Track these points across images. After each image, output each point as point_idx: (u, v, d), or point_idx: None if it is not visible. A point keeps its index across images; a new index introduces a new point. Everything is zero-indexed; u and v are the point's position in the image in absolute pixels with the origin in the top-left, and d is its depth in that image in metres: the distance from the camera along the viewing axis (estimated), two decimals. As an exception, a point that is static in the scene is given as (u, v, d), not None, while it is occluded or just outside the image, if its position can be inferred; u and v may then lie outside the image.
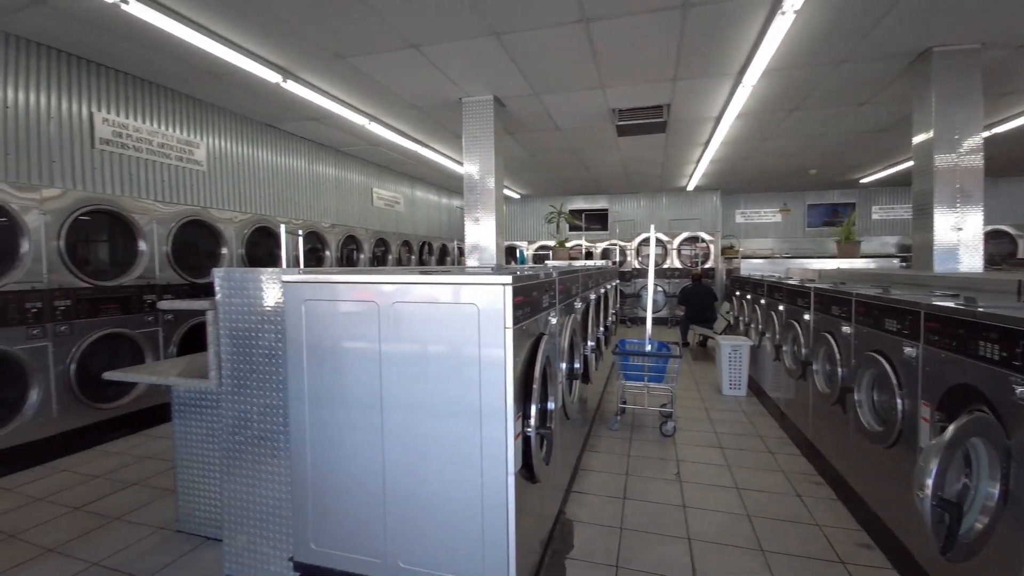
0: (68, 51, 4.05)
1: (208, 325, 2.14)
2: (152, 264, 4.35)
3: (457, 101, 5.32)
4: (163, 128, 4.87)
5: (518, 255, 10.57)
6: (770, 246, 12.10)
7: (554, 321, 2.15)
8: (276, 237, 5.69)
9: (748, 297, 5.71)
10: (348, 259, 7.18)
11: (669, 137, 6.95)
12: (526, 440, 1.70)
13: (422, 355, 1.69)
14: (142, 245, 4.28)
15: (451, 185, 11.05)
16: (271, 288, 2.02)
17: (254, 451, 2.10)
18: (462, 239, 11.00)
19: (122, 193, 4.38)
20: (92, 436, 3.87)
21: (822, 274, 4.66)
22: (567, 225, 11.61)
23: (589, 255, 11.24)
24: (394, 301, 1.71)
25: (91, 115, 4.20)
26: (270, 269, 2.02)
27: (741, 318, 6.06)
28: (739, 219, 12.26)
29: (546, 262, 7.09)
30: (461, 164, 8.16)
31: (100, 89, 4.32)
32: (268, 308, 2.03)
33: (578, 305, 2.92)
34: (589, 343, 3.40)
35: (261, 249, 5.52)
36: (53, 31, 3.70)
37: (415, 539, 1.73)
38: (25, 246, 3.51)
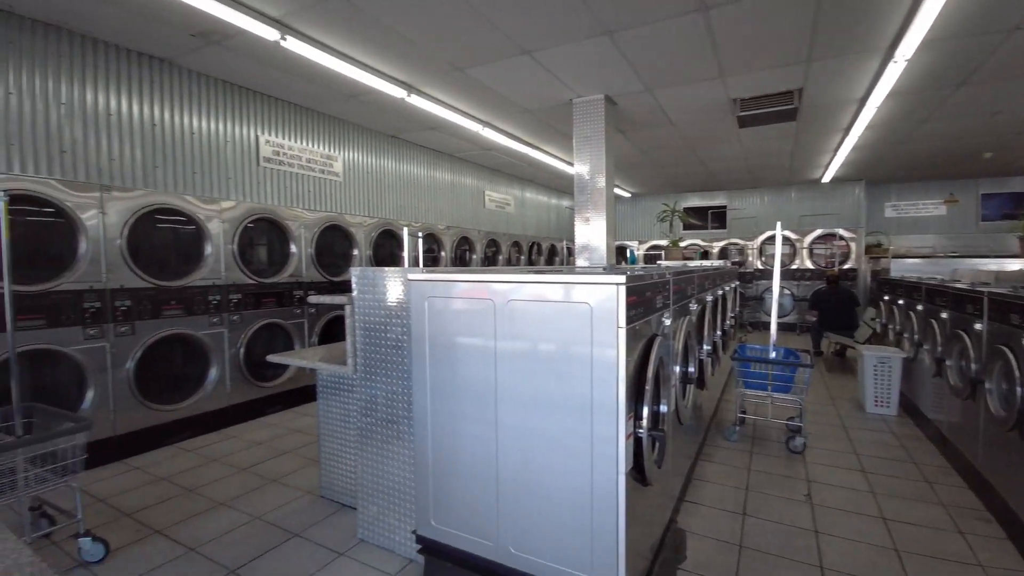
0: (239, 84, 4.79)
1: (346, 318, 2.41)
2: (300, 264, 4.98)
3: (567, 102, 5.35)
4: (310, 145, 5.55)
5: (629, 255, 10.33)
6: (930, 243, 10.41)
7: (668, 323, 2.09)
8: (398, 239, 6.19)
9: (900, 302, 5.00)
10: (461, 259, 7.57)
11: (800, 125, 6.32)
12: (637, 441, 1.68)
13: (535, 351, 1.75)
14: (293, 247, 4.93)
15: (560, 186, 11.12)
16: (398, 286, 2.22)
17: (382, 432, 2.32)
18: (571, 239, 11.01)
19: (278, 203, 5.08)
20: (255, 409, 4.54)
21: (1000, 276, 3.93)
22: (681, 224, 11.07)
23: (705, 255, 10.61)
24: (509, 299, 1.80)
25: (257, 138, 4.94)
26: (397, 268, 2.23)
27: (891, 326, 5.33)
28: (889, 213, 10.72)
29: (658, 262, 6.85)
30: (571, 165, 8.17)
31: (264, 115, 5.05)
32: (395, 304, 2.24)
33: (693, 307, 2.80)
34: (705, 347, 3.24)
35: (384, 250, 6.05)
36: (227, 67, 4.41)
37: (526, 527, 1.79)
38: (208, 249, 4.23)
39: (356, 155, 6.22)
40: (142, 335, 3.74)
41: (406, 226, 4.12)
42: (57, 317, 3.29)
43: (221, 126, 4.67)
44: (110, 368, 3.56)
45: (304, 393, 4.99)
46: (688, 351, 2.62)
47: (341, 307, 5.32)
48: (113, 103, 3.91)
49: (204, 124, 4.54)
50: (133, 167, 4.03)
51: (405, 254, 3.71)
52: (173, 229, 4.05)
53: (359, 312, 2.35)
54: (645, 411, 1.70)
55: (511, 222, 9.92)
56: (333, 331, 5.31)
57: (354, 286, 2.35)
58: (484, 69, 4.51)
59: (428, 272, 2.02)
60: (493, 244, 8.36)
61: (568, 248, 10.79)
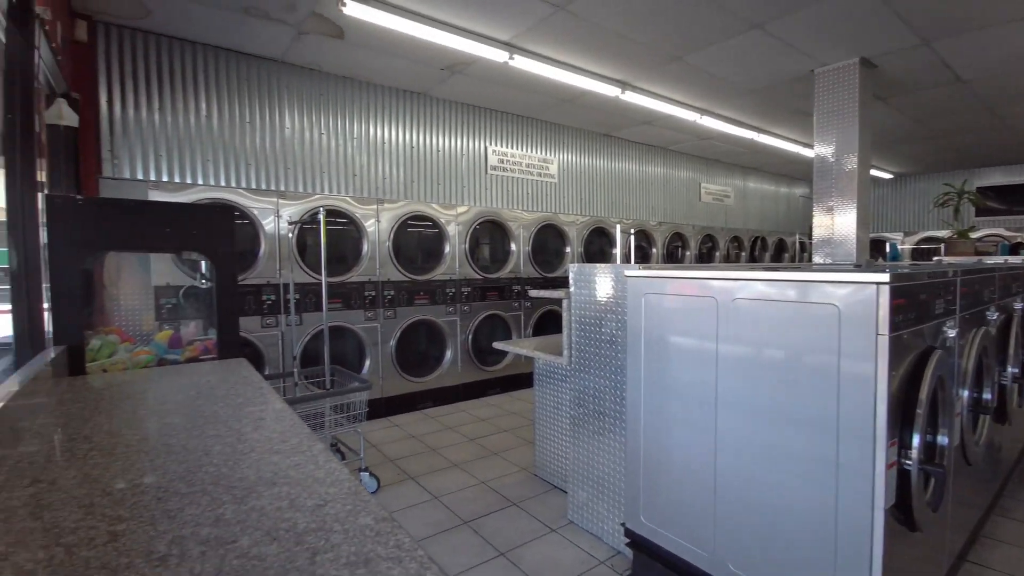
0: (472, 104, 5.48)
1: (563, 312, 2.56)
2: (519, 261, 5.46)
3: (806, 75, 4.65)
4: (529, 151, 6.03)
5: (889, 250, 8.45)
6: None
7: (951, 334, 1.66)
8: (609, 236, 6.26)
9: None
10: (672, 256, 7.26)
11: None
12: (903, 474, 1.39)
13: (762, 356, 1.59)
14: (513, 246, 5.43)
15: (792, 172, 9.72)
16: (615, 282, 2.26)
17: (593, 424, 2.40)
18: (804, 232, 9.53)
19: (502, 206, 5.66)
20: (478, 390, 5.16)
21: None
22: (972, 208, 8.57)
23: (1017, 248, 7.99)
24: (734, 297, 1.67)
25: (486, 149, 5.58)
26: (614, 265, 2.27)
27: None
28: None
29: (935, 258, 5.45)
30: (808, 146, 7.07)
31: (491, 128, 5.68)
32: (611, 300, 2.28)
33: (992, 316, 2.16)
34: (1009, 369, 2.46)
35: (594, 247, 6.18)
36: (465, 91, 5.07)
37: (748, 546, 1.65)
38: (447, 248, 4.96)
39: (570, 156, 6.50)
40: (401, 319, 4.60)
41: (618, 223, 4.14)
42: (348, 302, 4.28)
43: (458, 142, 5.41)
44: (380, 344, 4.47)
45: (519, 380, 5.46)
46: (983, 372, 2.04)
47: (555, 301, 5.65)
48: (385, 133, 4.90)
49: (446, 142, 5.33)
50: (397, 183, 4.97)
51: (617, 251, 3.74)
52: (422, 232, 4.87)
53: (575, 307, 2.47)
54: (915, 439, 1.39)
55: (730, 215, 9.09)
56: (546, 324, 5.68)
57: (571, 282, 2.48)
58: (704, 53, 4.23)
59: (646, 268, 2.01)
60: (709, 239, 7.79)
61: (801, 243, 9.37)
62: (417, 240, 4.85)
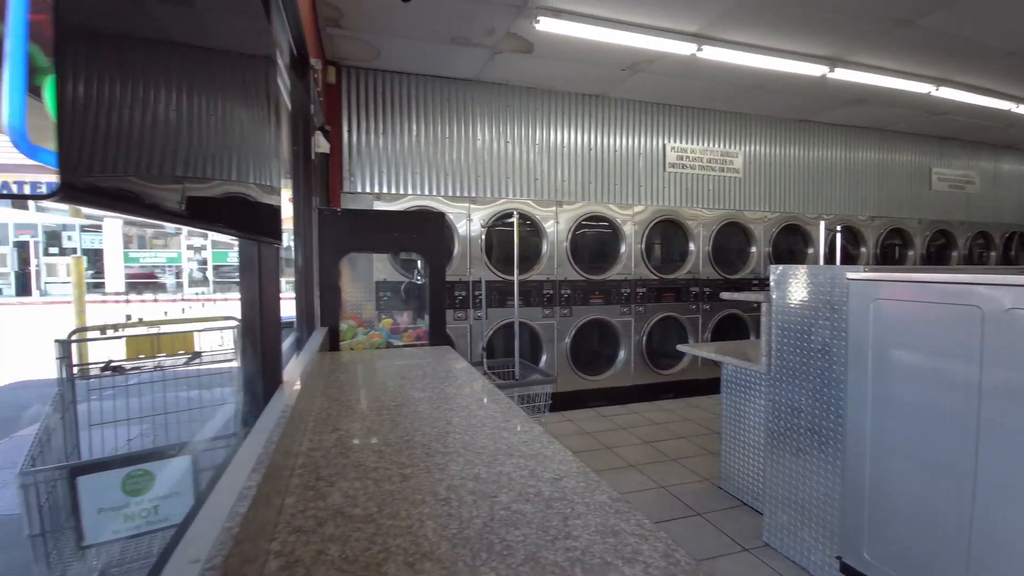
0: (651, 101, 5.36)
1: (762, 316, 2.39)
2: (697, 261, 5.19)
3: (1110, 18, 3.53)
4: (710, 146, 5.68)
5: None
6: None
7: None
8: (802, 234, 5.57)
9: None
10: (886, 256, 6.14)
11: None
12: None
13: (1056, 381, 1.29)
14: (691, 246, 5.18)
15: (1074, 147, 7.44)
16: (830, 285, 2.04)
17: (799, 440, 2.19)
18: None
19: (680, 204, 5.43)
20: (651, 392, 5.04)
21: None
22: None
23: None
24: (1008, 307, 1.38)
25: (664, 146, 5.42)
26: (831, 266, 2.04)
27: None
28: None
29: None
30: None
31: (669, 124, 5.49)
32: (823, 304, 2.06)
33: None
34: None
35: (781, 246, 5.56)
36: (644, 88, 4.99)
37: (1023, 613, 1.35)
38: (623, 248, 4.95)
39: (757, 148, 5.94)
40: (576, 317, 4.74)
41: (813, 219, 3.68)
42: (528, 299, 4.56)
43: (635, 141, 5.35)
44: (555, 340, 4.67)
45: (694, 385, 5.19)
46: None
47: (736, 304, 5.24)
48: (564, 138, 5.08)
49: (623, 141, 5.31)
50: (575, 185, 5.12)
51: (820, 250, 3.33)
52: (598, 232, 4.94)
53: (776, 311, 2.28)
54: None
55: (973, 206, 7.34)
56: (726, 328, 5.30)
57: (773, 284, 2.30)
58: (944, 14, 3.50)
59: (875, 271, 1.78)
60: (942, 235, 6.42)
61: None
62: (593, 240, 4.94)
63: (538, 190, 4.92)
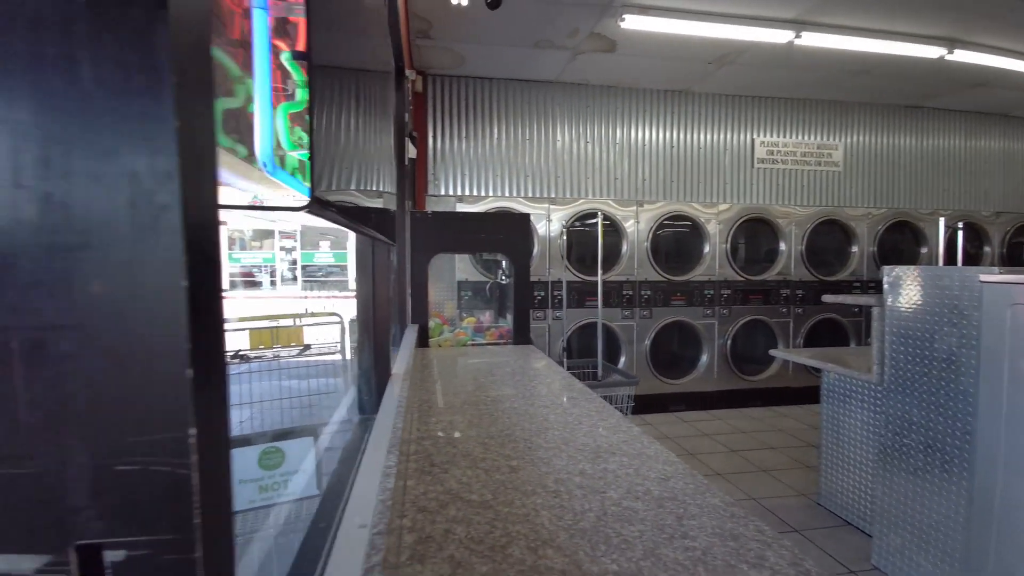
0: (738, 94, 5.11)
1: (873, 321, 2.21)
2: (788, 262, 4.88)
3: None
4: (805, 138, 5.31)
5: None
6: None
7: None
8: (913, 231, 5.06)
9: None
10: (1012, 256, 5.42)
11: None
12: None
13: None
14: (782, 245, 4.88)
15: None
16: (958, 288, 1.85)
17: (917, 457, 2.01)
18: None
19: (769, 201, 5.14)
20: (736, 399, 4.81)
21: None
22: None
23: None
24: None
25: (752, 141, 5.15)
26: (958, 268, 1.86)
27: None
28: None
29: None
30: None
31: (759, 117, 5.21)
32: (949, 310, 1.88)
33: None
34: None
35: (886, 246, 5.08)
36: (734, 82, 4.77)
37: None
38: (706, 248, 4.76)
39: (860, 138, 5.48)
40: (657, 319, 4.63)
41: (941, 216, 3.34)
42: (607, 299, 4.51)
43: (720, 136, 5.13)
44: (635, 342, 4.59)
45: (783, 393, 4.89)
46: None
47: (832, 308, 4.88)
48: (645, 136, 4.98)
49: (707, 137, 5.11)
50: (656, 183, 5.00)
51: (940, 249, 3.02)
52: (680, 232, 4.80)
53: (891, 316, 2.11)
54: None
55: None
56: (820, 333, 4.94)
57: (886, 287, 2.13)
58: (1102, -25, 3.05)
59: (1011, 272, 1.60)
60: (1087, 234, 5.56)
61: None
62: (675, 240, 4.80)
63: (618, 190, 4.86)
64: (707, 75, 4.56)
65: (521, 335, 2.95)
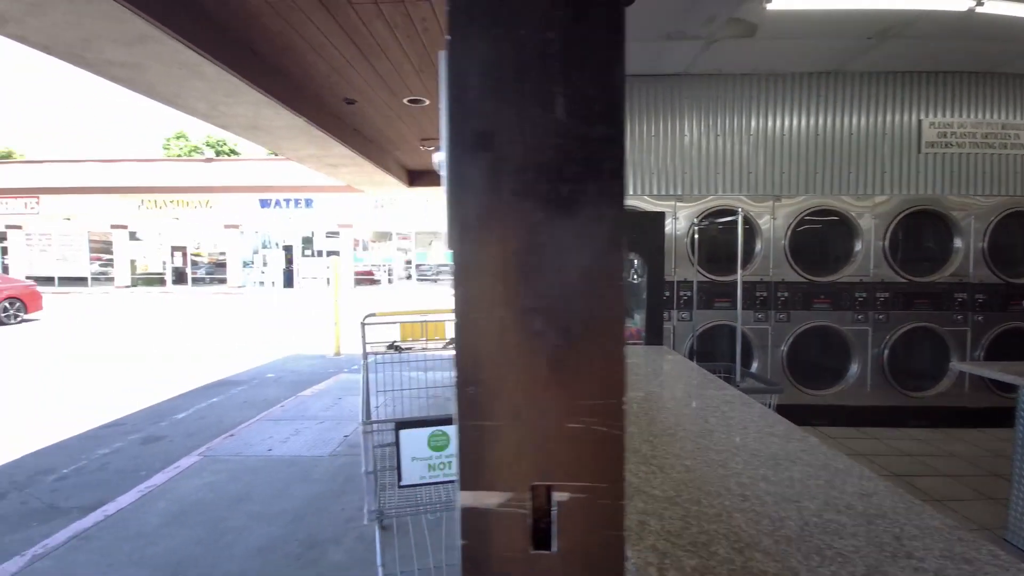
0: (901, 71, 4.50)
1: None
2: (967, 261, 4.21)
3: None
4: (987, 117, 4.53)
5: None
6: None
7: None
8: None
9: None
10: None
11: None
12: None
13: None
14: (957, 242, 4.22)
15: None
16: None
17: None
18: None
19: (942, 192, 4.46)
20: (895, 417, 4.26)
21: None
22: None
23: None
24: None
25: (919, 122, 4.51)
26: None
27: None
28: None
29: None
30: None
31: (927, 96, 4.54)
32: None
33: None
34: None
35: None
36: (894, 58, 4.21)
37: None
38: (858, 246, 4.27)
39: (1064, 113, 4.54)
40: (795, 323, 4.26)
41: None
42: (743, 301, 4.24)
43: (878, 119, 4.56)
44: (769, 347, 4.27)
45: (955, 413, 4.22)
46: None
47: (1020, 316, 4.11)
48: (784, 124, 4.59)
49: (861, 122, 4.57)
50: (796, 176, 4.59)
51: None
52: (825, 228, 4.35)
53: None
54: None
55: None
56: (1007, 346, 4.19)
57: None
58: None
59: None
60: None
61: None
62: (818, 237, 4.37)
63: (751, 184, 4.54)
64: (864, 52, 4.08)
65: (654, 335, 2.90)
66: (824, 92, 4.53)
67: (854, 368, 4.27)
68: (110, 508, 2.93)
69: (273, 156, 23.58)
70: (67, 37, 2.92)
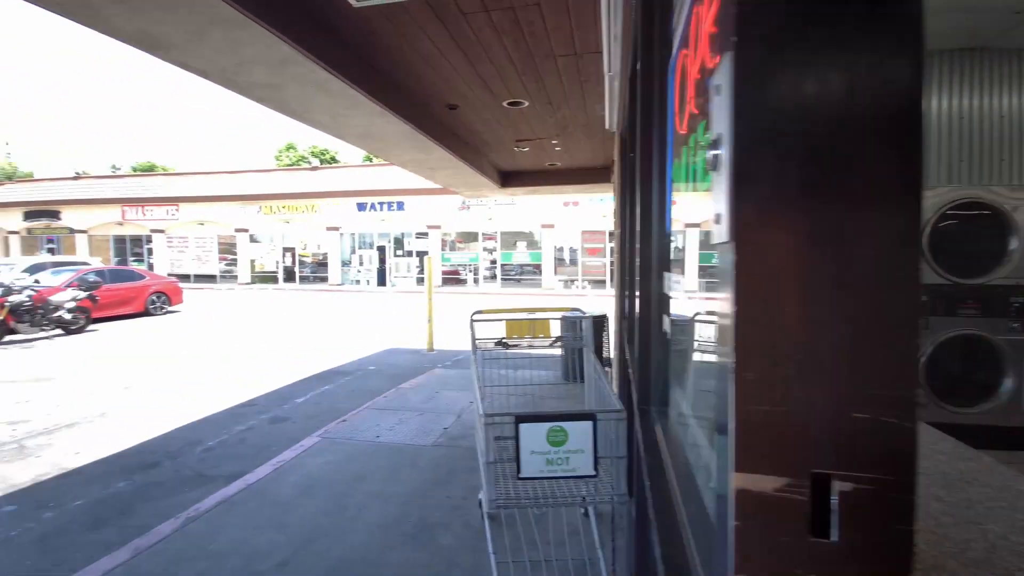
0: (1074, 38, 3.82)
1: None
2: None
3: None
4: None
5: None
6: None
7: None
8: None
9: None
10: None
11: None
12: None
13: None
14: None
15: None
16: None
17: None
18: None
19: None
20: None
21: None
22: None
23: None
24: None
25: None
26: None
27: None
28: None
29: None
30: None
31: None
32: None
33: None
34: None
35: None
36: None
37: None
38: (1014, 244, 3.70)
39: None
40: (934, 331, 3.78)
41: None
42: (985, 309, 3.84)
43: (1041, 99, 3.91)
44: None
45: None
46: None
47: None
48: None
49: (1017, 102, 3.95)
50: None
51: None
52: (973, 224, 3.82)
53: None
54: None
55: None
56: None
57: None
58: None
59: None
60: None
61: None
62: (966, 234, 3.85)
63: (1003, 171, 4.05)
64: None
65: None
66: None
67: (1009, 383, 3.70)
68: (250, 478, 3.31)
69: (368, 163, 25.23)
70: (222, 62, 3.34)
